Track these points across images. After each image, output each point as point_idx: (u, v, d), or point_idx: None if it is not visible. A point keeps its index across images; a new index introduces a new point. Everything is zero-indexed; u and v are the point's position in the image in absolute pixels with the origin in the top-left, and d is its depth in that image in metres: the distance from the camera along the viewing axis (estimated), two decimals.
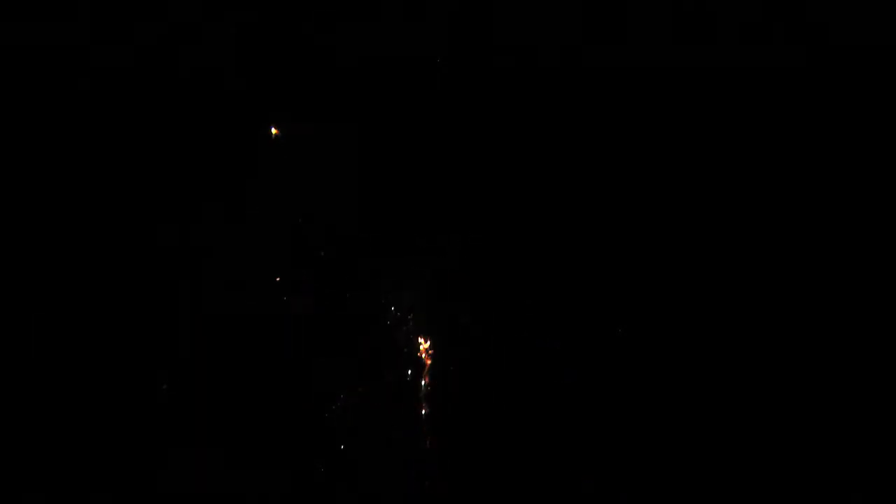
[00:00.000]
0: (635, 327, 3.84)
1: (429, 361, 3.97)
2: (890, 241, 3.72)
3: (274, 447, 3.77)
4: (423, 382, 3.94)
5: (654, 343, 3.81)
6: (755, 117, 3.83)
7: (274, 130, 3.86)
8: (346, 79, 3.88)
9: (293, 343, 3.82)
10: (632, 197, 3.90)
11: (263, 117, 3.86)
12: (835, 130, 3.78)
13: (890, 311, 3.67)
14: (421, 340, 3.99)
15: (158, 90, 3.76)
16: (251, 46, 3.82)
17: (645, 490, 3.74)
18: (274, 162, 3.88)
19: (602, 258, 3.89)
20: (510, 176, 3.94)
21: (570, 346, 3.86)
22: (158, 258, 3.75)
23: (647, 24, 3.80)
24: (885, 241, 3.72)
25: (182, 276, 3.76)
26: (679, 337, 3.80)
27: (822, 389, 3.68)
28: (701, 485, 3.70)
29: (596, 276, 3.89)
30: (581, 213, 3.92)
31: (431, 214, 3.95)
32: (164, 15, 3.74)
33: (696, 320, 3.81)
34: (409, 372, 3.96)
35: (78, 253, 3.68)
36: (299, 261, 3.90)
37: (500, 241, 3.94)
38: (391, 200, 3.97)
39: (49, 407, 3.58)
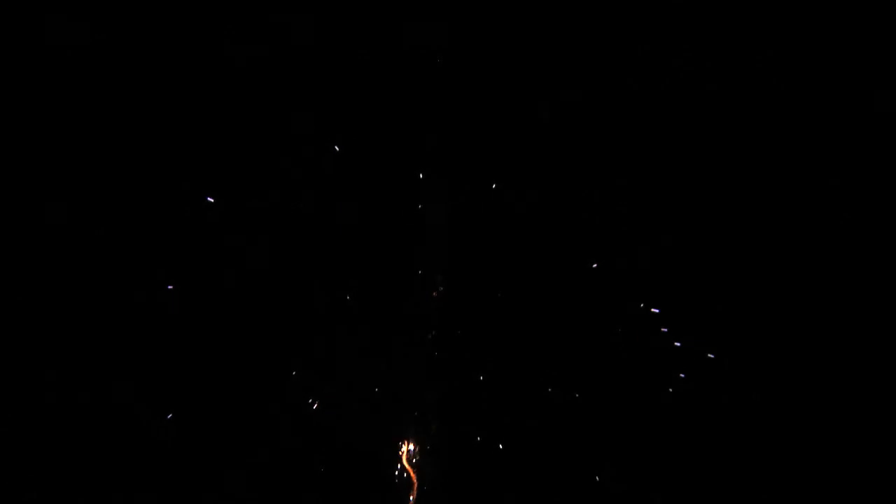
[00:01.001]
0: (634, 327, 3.86)
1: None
2: (889, 239, 3.73)
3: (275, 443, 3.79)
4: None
5: (653, 343, 3.83)
6: (755, 117, 3.83)
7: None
8: (346, 79, 3.88)
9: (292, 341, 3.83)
10: (632, 196, 3.91)
11: (265, 117, 3.86)
12: (834, 130, 3.79)
13: (889, 310, 3.69)
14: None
15: (158, 90, 3.77)
16: (251, 46, 3.82)
17: (645, 490, 3.75)
18: (274, 161, 3.89)
19: (601, 257, 3.90)
20: (510, 174, 3.95)
21: (570, 344, 3.87)
22: (158, 257, 3.76)
23: (647, 25, 3.81)
24: (884, 239, 3.73)
25: (183, 274, 3.77)
26: (679, 336, 3.82)
27: (822, 388, 3.70)
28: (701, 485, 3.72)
29: (595, 274, 3.90)
30: (581, 212, 3.93)
31: (431, 212, 3.95)
32: (165, 15, 3.74)
33: (695, 320, 3.83)
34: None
35: (76, 250, 3.70)
36: (300, 256, 3.91)
37: (500, 238, 3.95)
38: (391, 198, 3.98)
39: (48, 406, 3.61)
